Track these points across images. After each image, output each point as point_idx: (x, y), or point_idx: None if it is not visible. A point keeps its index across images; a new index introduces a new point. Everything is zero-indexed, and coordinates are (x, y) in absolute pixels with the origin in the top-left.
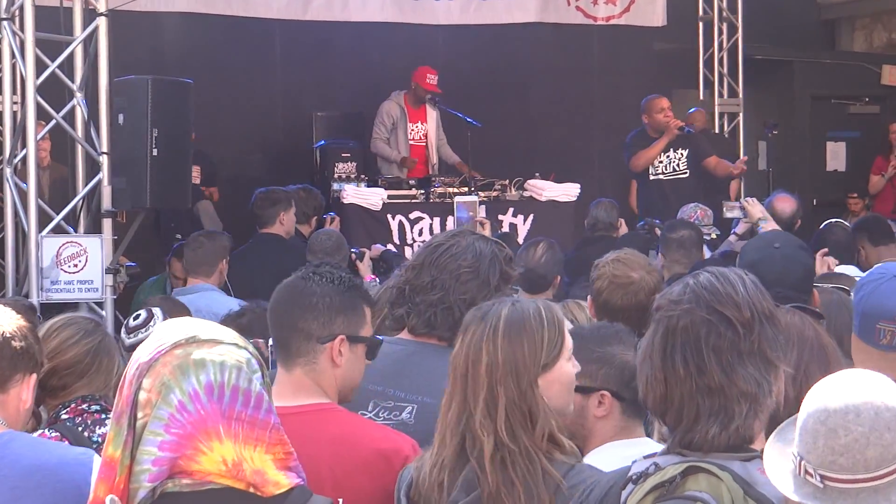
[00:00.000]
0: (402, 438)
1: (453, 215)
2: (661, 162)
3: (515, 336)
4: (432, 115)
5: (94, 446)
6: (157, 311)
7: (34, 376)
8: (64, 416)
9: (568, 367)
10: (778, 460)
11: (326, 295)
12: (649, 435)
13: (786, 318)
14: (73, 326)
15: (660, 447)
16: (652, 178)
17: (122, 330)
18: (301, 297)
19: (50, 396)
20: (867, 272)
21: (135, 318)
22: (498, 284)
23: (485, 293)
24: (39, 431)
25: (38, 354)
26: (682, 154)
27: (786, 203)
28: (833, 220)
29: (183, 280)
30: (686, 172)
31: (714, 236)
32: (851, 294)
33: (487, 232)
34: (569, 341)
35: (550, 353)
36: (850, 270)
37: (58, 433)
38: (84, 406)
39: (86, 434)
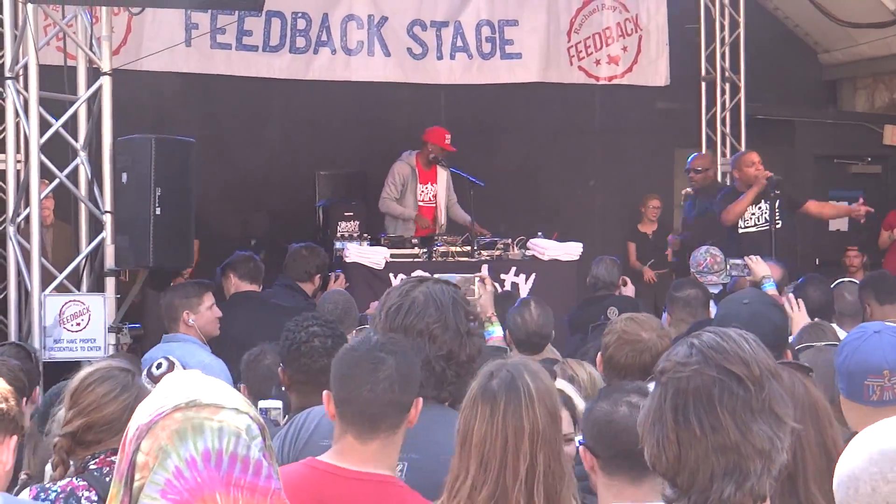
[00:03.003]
0: None
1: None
2: (752, 214)
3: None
4: (442, 175)
5: None
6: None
7: (14, 438)
8: (92, 466)
9: None
10: None
11: (404, 364)
12: None
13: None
14: (109, 381)
15: None
16: (741, 231)
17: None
18: (391, 371)
19: (81, 448)
20: (847, 333)
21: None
22: (469, 329)
23: (459, 341)
24: (66, 480)
25: (19, 417)
26: (769, 206)
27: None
28: (844, 279)
29: None
30: (768, 225)
31: (725, 282)
32: None
33: (488, 288)
34: None
35: None
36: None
37: (85, 482)
38: (112, 458)
39: None
